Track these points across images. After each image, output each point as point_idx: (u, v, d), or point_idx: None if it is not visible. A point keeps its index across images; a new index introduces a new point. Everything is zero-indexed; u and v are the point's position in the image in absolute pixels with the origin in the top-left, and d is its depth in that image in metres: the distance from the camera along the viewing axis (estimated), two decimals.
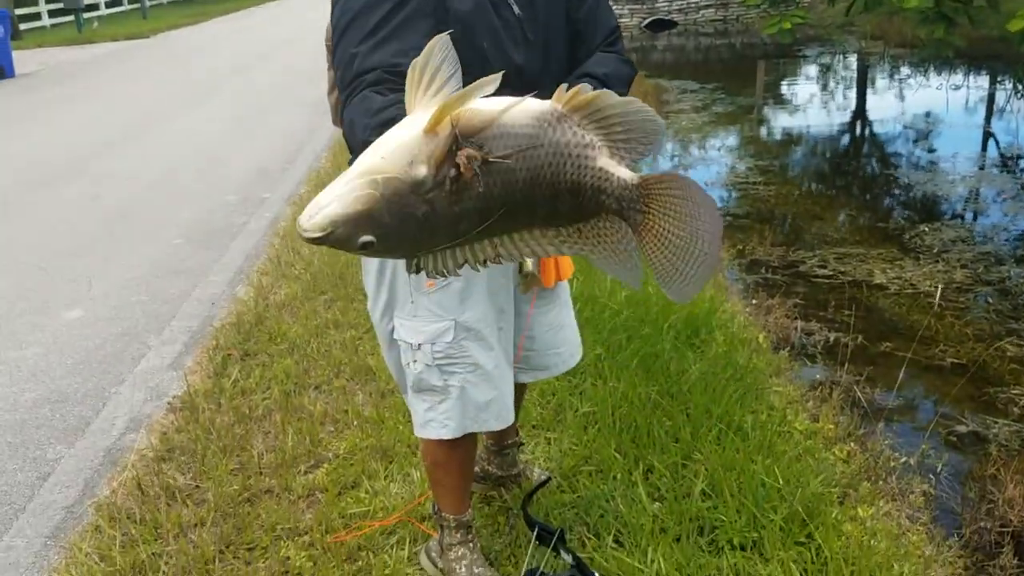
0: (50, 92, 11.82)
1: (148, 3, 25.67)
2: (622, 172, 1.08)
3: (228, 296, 4.17)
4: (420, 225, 0.99)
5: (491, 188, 0.99)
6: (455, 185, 0.97)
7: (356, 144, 1.37)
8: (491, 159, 0.98)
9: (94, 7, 24.87)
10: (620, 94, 1.05)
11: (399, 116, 1.30)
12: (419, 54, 1.40)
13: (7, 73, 13.40)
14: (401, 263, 1.68)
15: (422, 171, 0.96)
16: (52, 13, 22.47)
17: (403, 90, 1.35)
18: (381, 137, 1.01)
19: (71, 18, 21.45)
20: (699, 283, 1.15)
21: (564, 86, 1.04)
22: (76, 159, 7.48)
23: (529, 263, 1.76)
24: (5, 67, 13.41)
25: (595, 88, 1.04)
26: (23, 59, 14.91)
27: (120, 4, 27.08)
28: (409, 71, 1.03)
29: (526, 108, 1.02)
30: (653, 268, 1.16)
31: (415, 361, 1.75)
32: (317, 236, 0.94)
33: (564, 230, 1.12)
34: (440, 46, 1.04)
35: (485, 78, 0.98)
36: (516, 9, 1.56)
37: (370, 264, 1.77)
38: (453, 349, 1.73)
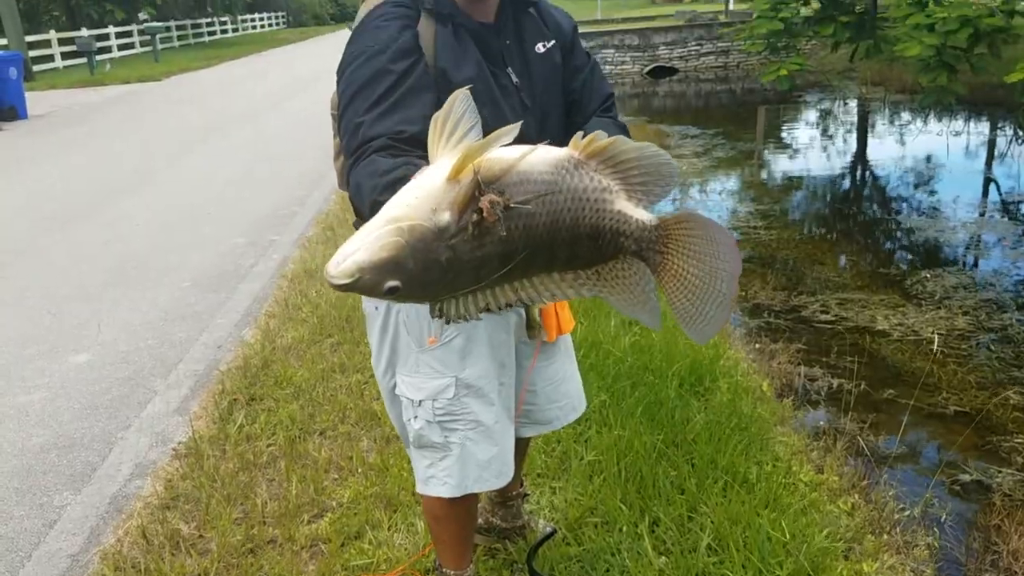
0: (62, 134, 11.99)
1: (160, 46, 26.12)
2: (640, 214, 1.11)
3: (235, 339, 4.20)
4: (444, 270, 1.02)
5: (512, 232, 1.03)
6: (478, 230, 1.01)
7: (364, 205, 1.42)
8: (512, 204, 1.02)
9: (106, 50, 25.31)
10: None
11: (407, 176, 1.34)
12: (419, 124, 1.47)
13: (20, 115, 13.60)
14: (403, 322, 1.73)
15: (446, 217, 1.00)
16: (65, 55, 22.85)
17: (408, 154, 1.40)
18: (405, 186, 1.05)
19: (83, 60, 21.81)
20: (719, 323, 1.18)
21: (580, 133, 1.08)
22: (87, 202, 7.57)
23: (537, 313, 1.77)
24: (18, 108, 13.62)
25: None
26: (36, 101, 15.15)
27: (132, 47, 27.55)
28: (432, 123, 1.08)
29: (544, 155, 1.06)
30: (673, 309, 1.19)
31: (416, 417, 1.77)
32: (345, 283, 0.97)
33: (583, 273, 1.15)
34: (461, 99, 1.09)
35: (503, 128, 1.02)
36: (514, 77, 1.63)
37: (374, 319, 1.80)
38: (454, 406, 1.75)
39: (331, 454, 2.98)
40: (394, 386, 1.82)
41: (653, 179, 1.10)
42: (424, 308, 1.71)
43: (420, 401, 1.75)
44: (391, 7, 1.59)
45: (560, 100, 1.73)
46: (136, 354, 4.11)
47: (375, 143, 1.43)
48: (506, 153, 1.04)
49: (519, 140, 1.61)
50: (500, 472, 1.83)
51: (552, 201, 1.05)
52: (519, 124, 1.05)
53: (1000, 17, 10.77)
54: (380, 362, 1.83)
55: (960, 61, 10.35)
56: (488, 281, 1.08)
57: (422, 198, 1.01)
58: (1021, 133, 11.01)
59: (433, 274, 1.02)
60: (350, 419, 3.24)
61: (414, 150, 1.43)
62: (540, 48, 1.68)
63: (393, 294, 1.02)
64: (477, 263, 1.04)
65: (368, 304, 1.82)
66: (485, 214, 1.00)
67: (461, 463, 1.78)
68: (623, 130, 1.75)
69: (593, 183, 1.07)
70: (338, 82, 1.57)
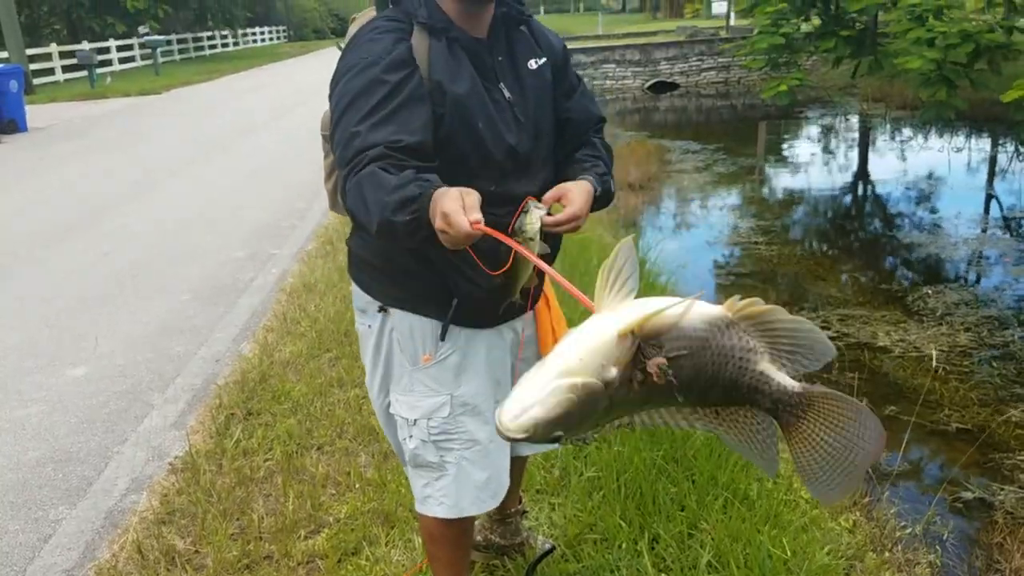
0: (62, 147, 12.02)
1: (161, 59, 26.24)
2: (782, 378, 1.12)
3: (233, 353, 4.18)
4: (599, 415, 1.08)
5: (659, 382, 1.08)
6: (641, 386, 1.07)
7: (370, 221, 1.41)
8: (668, 357, 1.07)
9: (107, 63, 25.42)
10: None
11: (415, 194, 1.34)
12: (416, 134, 1.47)
13: (20, 127, 13.63)
14: (397, 340, 1.72)
15: (613, 372, 1.04)
16: (65, 68, 22.95)
17: (406, 166, 1.40)
18: (574, 335, 1.08)
19: (84, 73, 21.89)
20: (845, 491, 1.17)
21: (736, 297, 1.11)
22: (87, 214, 7.57)
23: (534, 223, 1.54)
24: (18, 121, 13.65)
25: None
26: (36, 114, 15.19)
27: (133, 60, 27.68)
28: (599, 273, 1.12)
29: (701, 312, 1.10)
30: (797, 465, 1.18)
31: (411, 436, 1.75)
32: (519, 437, 1.01)
33: (701, 409, 1.17)
34: (624, 250, 1.13)
35: (674, 307, 1.06)
36: (507, 93, 1.63)
37: (367, 339, 1.79)
38: (449, 424, 1.73)
39: (328, 469, 2.96)
40: (388, 405, 1.80)
41: (803, 352, 1.12)
42: (417, 327, 1.70)
43: (415, 420, 1.74)
44: (383, 21, 1.59)
45: (551, 117, 1.74)
46: (134, 367, 4.09)
47: (371, 152, 1.42)
48: (669, 309, 1.07)
49: (514, 153, 1.62)
50: (496, 492, 1.81)
51: (699, 355, 1.09)
52: (694, 299, 1.08)
53: (1000, 33, 10.84)
54: (374, 382, 1.82)
55: (960, 76, 10.40)
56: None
57: (593, 353, 1.04)
58: (1022, 149, 11.03)
59: (589, 419, 1.07)
60: (348, 434, 3.22)
61: (410, 160, 1.43)
62: (532, 65, 1.69)
63: (555, 440, 1.06)
64: (624, 405, 1.10)
65: (361, 323, 1.81)
66: (654, 377, 1.05)
67: (457, 484, 1.76)
68: (610, 154, 1.79)
69: (741, 343, 1.11)
70: (331, 96, 1.57)
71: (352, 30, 1.69)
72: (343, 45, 1.70)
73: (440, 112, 1.54)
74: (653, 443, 2.89)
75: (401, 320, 1.71)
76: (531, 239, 1.49)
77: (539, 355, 1.88)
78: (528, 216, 1.50)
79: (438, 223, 1.29)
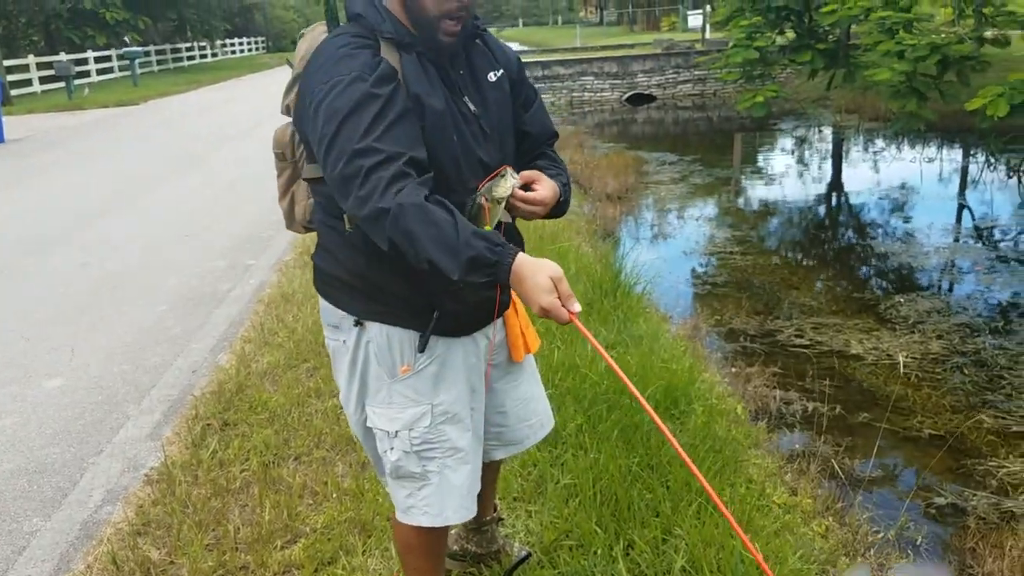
0: (40, 158, 11.92)
1: (139, 70, 26.08)
2: None
3: (210, 364, 4.17)
4: None
5: None
6: None
7: (418, 257, 1.46)
8: None
9: (85, 74, 25.25)
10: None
11: (490, 260, 1.44)
12: (419, 148, 1.53)
13: None
14: (374, 353, 1.72)
15: None
16: (43, 80, 22.76)
17: (428, 185, 1.48)
18: None
19: (62, 84, 21.73)
20: None
21: None
22: (65, 225, 7.51)
23: (507, 188, 1.61)
24: None
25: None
26: (13, 125, 15.06)
27: (111, 71, 27.51)
28: None
29: None
30: None
31: (392, 448, 1.75)
32: None
33: None
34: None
35: None
36: (472, 106, 1.66)
37: (342, 355, 1.77)
38: (431, 434, 1.73)
39: (306, 479, 2.96)
40: (366, 419, 1.79)
41: None
42: (396, 338, 1.70)
43: (396, 432, 1.74)
44: (351, 37, 1.59)
45: (512, 128, 1.78)
46: (110, 379, 4.07)
47: (385, 172, 1.45)
48: None
49: (484, 165, 1.65)
50: (475, 498, 1.83)
51: None
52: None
53: (970, 45, 11.04)
54: (350, 397, 1.80)
55: (930, 88, 10.58)
56: None
57: None
58: (992, 160, 11.22)
59: None
60: (325, 444, 3.22)
61: (420, 174, 1.49)
62: (492, 77, 1.72)
63: None
64: None
65: (334, 339, 1.79)
66: None
67: (440, 492, 1.77)
68: (564, 169, 1.82)
69: None
70: (313, 113, 1.54)
71: (303, 46, 1.68)
72: (294, 61, 1.70)
73: (421, 125, 1.56)
74: (629, 450, 2.92)
75: (378, 332, 1.71)
76: (498, 201, 1.57)
77: (510, 359, 1.90)
78: (503, 181, 1.58)
79: (538, 311, 1.46)
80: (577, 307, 1.45)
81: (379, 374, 1.73)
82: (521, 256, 1.47)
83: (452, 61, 1.66)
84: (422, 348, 1.69)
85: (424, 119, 1.56)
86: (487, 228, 1.57)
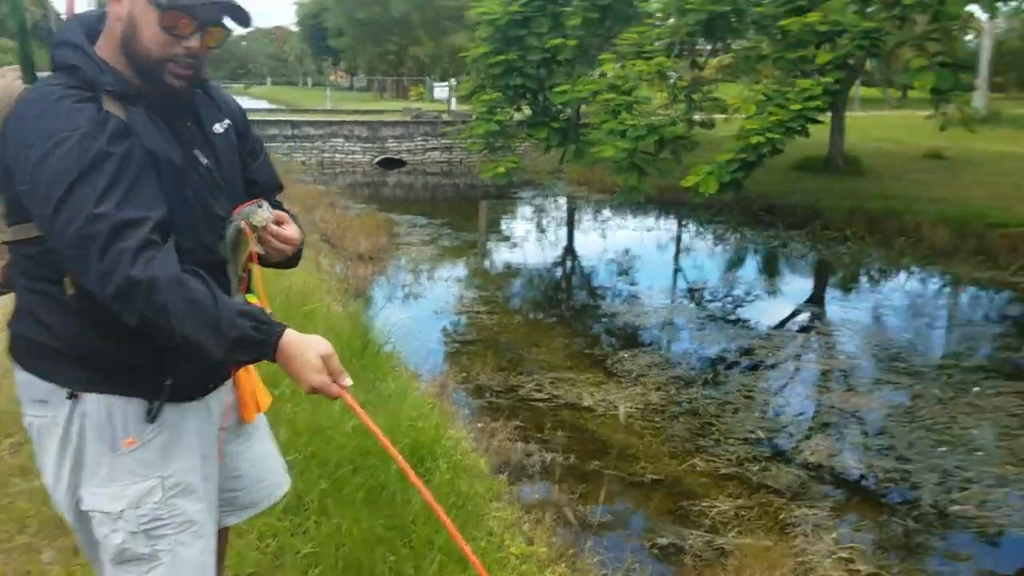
0: None
1: None
2: None
3: None
4: None
5: None
6: None
7: (172, 330, 1.38)
8: None
9: None
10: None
11: (256, 339, 1.41)
12: (162, 208, 1.48)
13: None
14: (90, 428, 1.57)
15: None
16: None
17: (170, 255, 1.39)
18: None
19: None
20: None
21: None
22: None
23: (265, 217, 1.59)
24: None
25: None
26: None
27: None
28: None
29: None
30: None
31: (115, 531, 1.57)
32: None
33: None
34: None
35: None
36: (203, 159, 1.61)
37: (49, 433, 1.58)
38: (162, 510, 1.58)
39: (7, 569, 2.61)
40: (78, 502, 1.60)
41: None
42: (118, 408, 1.56)
43: (121, 511, 1.56)
44: (67, 89, 1.45)
45: (240, 179, 1.74)
46: None
47: (130, 240, 1.35)
48: None
49: (219, 219, 1.60)
50: (210, 569, 1.71)
51: None
52: None
53: (682, 126, 12.52)
54: (60, 480, 1.59)
55: (649, 164, 11.82)
56: None
57: None
58: (701, 230, 12.69)
59: None
60: (31, 529, 2.86)
61: (166, 239, 1.41)
62: (218, 128, 1.68)
63: None
64: None
65: (38, 416, 1.59)
66: None
67: (173, 572, 1.62)
68: (295, 219, 1.76)
69: None
70: (32, 171, 1.39)
71: None
72: None
73: (162, 182, 1.48)
74: (374, 511, 2.89)
75: (95, 404, 1.55)
76: (254, 228, 1.56)
77: (241, 421, 1.82)
78: (260, 210, 1.57)
79: (308, 390, 1.45)
80: (348, 381, 1.46)
81: (99, 450, 1.56)
82: (289, 333, 1.43)
83: (180, 113, 1.60)
84: (152, 418, 1.57)
85: (163, 175, 1.48)
86: (249, 251, 1.58)
